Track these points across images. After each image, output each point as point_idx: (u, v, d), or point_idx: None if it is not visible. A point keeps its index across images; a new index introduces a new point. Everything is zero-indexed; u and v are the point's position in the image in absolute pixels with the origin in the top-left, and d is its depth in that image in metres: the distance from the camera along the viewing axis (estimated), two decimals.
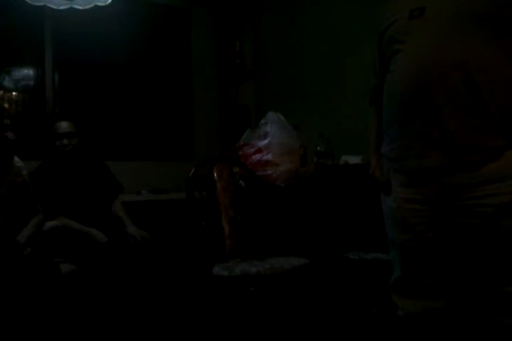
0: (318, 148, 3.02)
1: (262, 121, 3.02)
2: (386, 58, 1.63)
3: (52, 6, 2.41)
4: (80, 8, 2.44)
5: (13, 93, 3.65)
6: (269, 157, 2.83)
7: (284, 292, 2.54)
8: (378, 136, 1.73)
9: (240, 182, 2.88)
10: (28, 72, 3.72)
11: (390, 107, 1.57)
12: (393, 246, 1.63)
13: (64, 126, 3.02)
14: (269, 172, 2.78)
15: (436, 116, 1.41)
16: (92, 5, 2.45)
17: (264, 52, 4.32)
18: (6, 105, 3.57)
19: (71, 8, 2.64)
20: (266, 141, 2.92)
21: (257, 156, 2.89)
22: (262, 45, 4.34)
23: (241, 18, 4.40)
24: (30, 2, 2.44)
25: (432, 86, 1.41)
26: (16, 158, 2.48)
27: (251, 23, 4.36)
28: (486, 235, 1.39)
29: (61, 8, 2.48)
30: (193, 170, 2.55)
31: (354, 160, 2.81)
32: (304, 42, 3.82)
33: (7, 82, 3.62)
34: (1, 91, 3.60)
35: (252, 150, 2.93)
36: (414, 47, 1.47)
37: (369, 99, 1.83)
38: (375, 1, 3.07)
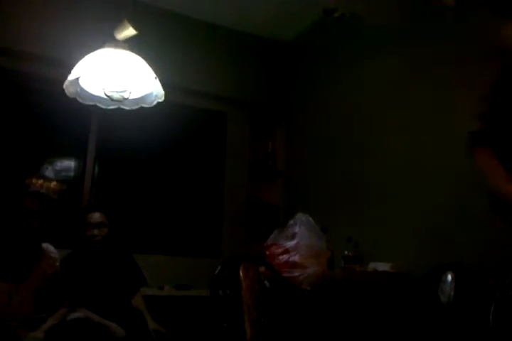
0: (346, 252, 2.99)
1: (291, 222, 3.04)
2: None
3: (101, 106, 2.58)
4: (127, 108, 2.60)
5: (53, 182, 3.79)
6: (296, 258, 2.81)
7: None
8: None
9: (265, 282, 2.84)
10: (70, 163, 3.91)
11: None
12: None
13: (96, 216, 3.10)
14: (296, 274, 2.74)
15: None
16: (138, 106, 2.62)
17: (294, 154, 4.46)
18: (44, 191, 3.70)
19: (118, 108, 2.80)
20: (294, 242, 2.92)
21: (284, 257, 2.87)
22: (292, 147, 4.49)
23: (274, 121, 4.63)
24: (81, 101, 2.61)
25: None
26: (52, 248, 2.53)
27: (283, 125, 4.58)
28: None
29: (110, 107, 2.64)
30: (219, 268, 2.53)
31: (383, 267, 2.77)
32: (331, 146, 3.92)
33: (48, 172, 3.79)
34: (42, 180, 3.74)
35: (279, 250, 2.92)
36: None
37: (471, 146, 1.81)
38: (408, 108, 3.18)
